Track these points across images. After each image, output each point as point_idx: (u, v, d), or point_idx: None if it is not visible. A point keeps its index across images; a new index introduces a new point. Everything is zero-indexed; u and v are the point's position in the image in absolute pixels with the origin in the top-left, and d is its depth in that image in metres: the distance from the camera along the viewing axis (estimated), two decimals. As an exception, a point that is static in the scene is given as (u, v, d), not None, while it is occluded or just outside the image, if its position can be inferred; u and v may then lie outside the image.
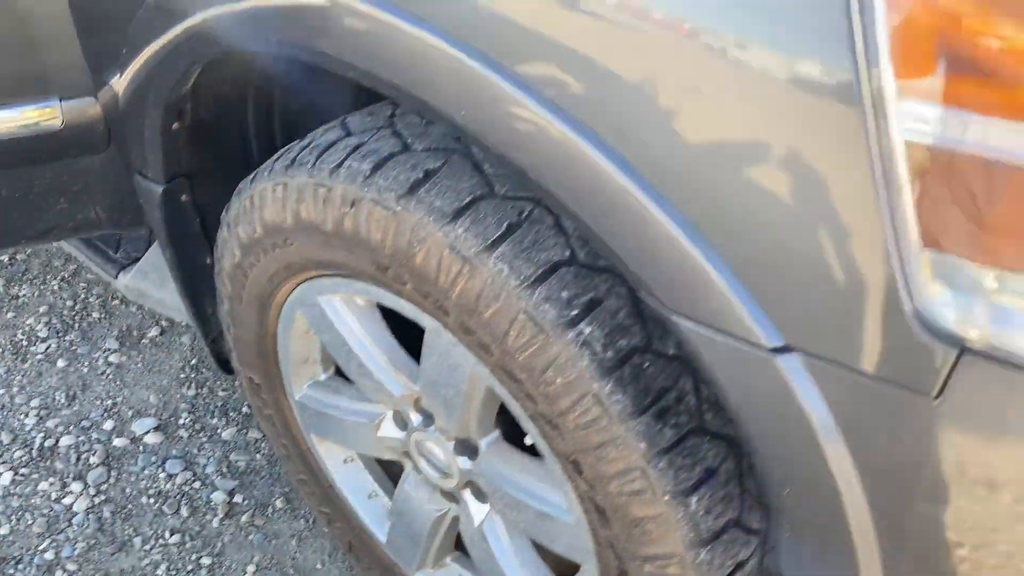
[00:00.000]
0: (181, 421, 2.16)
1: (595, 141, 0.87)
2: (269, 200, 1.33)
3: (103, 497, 1.99)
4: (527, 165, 0.99)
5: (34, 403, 2.20)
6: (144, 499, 1.99)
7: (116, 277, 1.97)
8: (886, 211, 0.75)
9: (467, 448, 1.40)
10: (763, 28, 0.77)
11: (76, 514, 1.96)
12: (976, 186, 0.73)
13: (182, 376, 2.26)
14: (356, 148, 1.23)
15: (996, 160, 0.71)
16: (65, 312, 2.43)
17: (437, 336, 1.24)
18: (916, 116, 0.72)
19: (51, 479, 2.03)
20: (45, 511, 1.97)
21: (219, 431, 2.14)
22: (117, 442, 2.11)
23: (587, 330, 1.07)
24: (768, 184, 0.81)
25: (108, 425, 2.15)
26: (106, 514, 1.96)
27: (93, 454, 2.07)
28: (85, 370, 2.28)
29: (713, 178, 0.84)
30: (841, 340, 0.83)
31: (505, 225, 1.11)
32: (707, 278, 0.87)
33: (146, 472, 2.05)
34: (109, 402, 2.20)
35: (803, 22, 0.75)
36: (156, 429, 2.14)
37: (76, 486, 2.01)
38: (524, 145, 0.98)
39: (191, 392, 2.23)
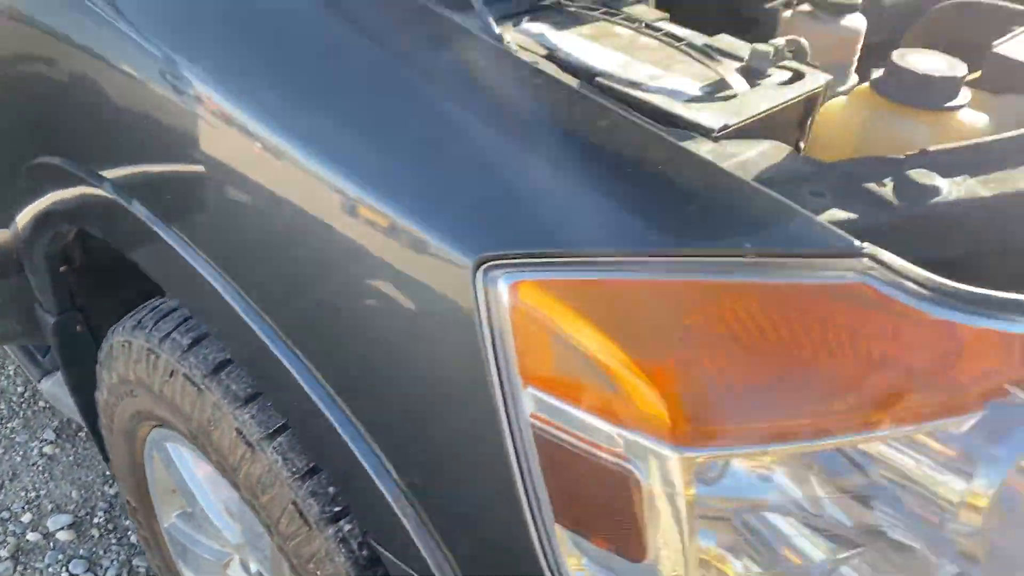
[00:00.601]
0: (96, 520, 2.25)
1: (319, 393, 0.96)
2: (119, 354, 1.42)
3: (3, 592, 2.08)
4: None
5: (-37, 489, 2.30)
6: (41, 598, 2.07)
7: (39, 381, 2.09)
8: (521, 486, 0.81)
9: (293, 603, 1.46)
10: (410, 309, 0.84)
11: (-26, 607, 2.05)
12: (586, 474, 0.78)
13: (107, 473, 2.35)
14: (185, 320, 1.31)
15: (600, 455, 0.77)
16: (14, 398, 2.55)
17: (243, 504, 1.31)
18: (538, 404, 0.78)
19: (-40, 568, 2.12)
20: (-52, 600, 2.06)
21: (129, 533, 2.22)
22: (31, 536, 2.20)
23: (347, 527, 1.12)
24: (435, 445, 0.87)
25: (27, 518, 2.24)
26: (2, 610, 2.04)
27: (4, 547, 2.16)
28: (18, 459, 2.38)
29: (401, 427, 0.91)
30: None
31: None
32: (398, 520, 0.93)
33: (50, 570, 2.12)
34: (33, 494, 2.30)
35: (441, 312, 0.82)
36: (70, 526, 2.22)
37: (-19, 578, 2.10)
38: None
39: (112, 491, 2.31)
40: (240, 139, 0.94)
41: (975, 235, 0.89)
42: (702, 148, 0.90)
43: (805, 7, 1.26)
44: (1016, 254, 0.91)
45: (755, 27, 1.32)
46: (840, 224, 0.84)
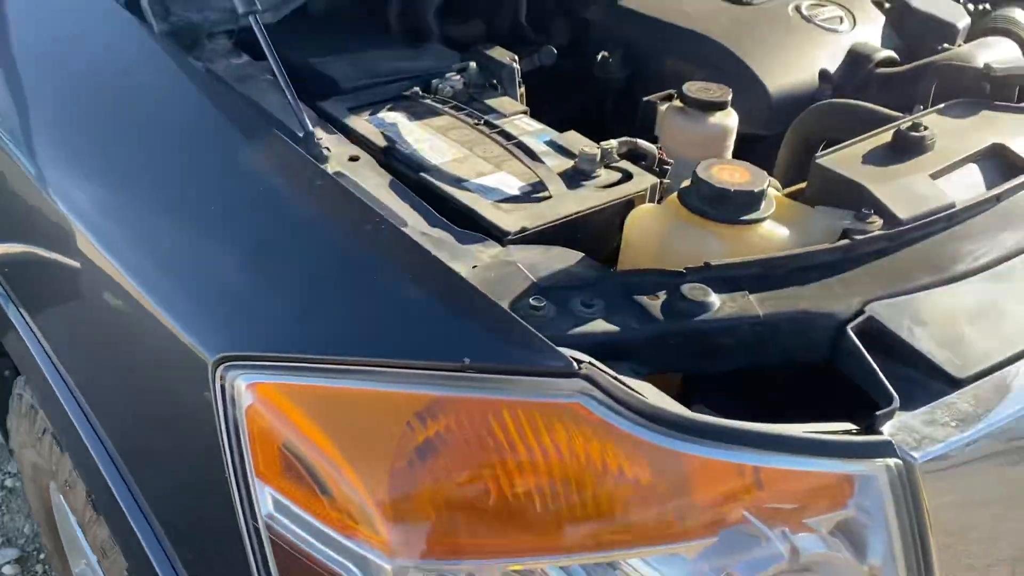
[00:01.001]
0: (42, 556, 2.30)
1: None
2: (15, 406, 1.47)
3: (-60, 624, 2.13)
4: None
5: (-79, 520, 2.37)
6: (-25, 632, 2.12)
7: (-9, 419, 2.16)
8: (260, 579, 0.83)
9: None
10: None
11: (-92, 639, 2.10)
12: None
13: (61, 511, 2.41)
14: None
15: (324, 562, 0.78)
16: (-15, 432, 2.63)
17: (105, 562, 1.35)
18: (275, 504, 0.80)
19: (-97, 599, 2.19)
20: None
21: (72, 572, 2.27)
22: (-23, 569, 2.26)
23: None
24: (202, 536, 0.90)
25: (-23, 550, 2.31)
26: (-65, 642, 2.10)
27: (-51, 578, 2.23)
28: (-21, 492, 2.45)
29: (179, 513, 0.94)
30: None
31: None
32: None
33: (-10, 604, 2.18)
34: (-13, 527, 2.36)
35: (193, 406, 0.84)
36: (16, 561, 2.28)
37: (-79, 609, 2.16)
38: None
39: (63, 528, 2.37)
40: (64, 238, 1.00)
41: (750, 351, 0.88)
42: (487, 252, 0.91)
43: (678, 103, 1.27)
44: (797, 370, 0.90)
45: (637, 120, 1.33)
46: (599, 337, 0.84)
